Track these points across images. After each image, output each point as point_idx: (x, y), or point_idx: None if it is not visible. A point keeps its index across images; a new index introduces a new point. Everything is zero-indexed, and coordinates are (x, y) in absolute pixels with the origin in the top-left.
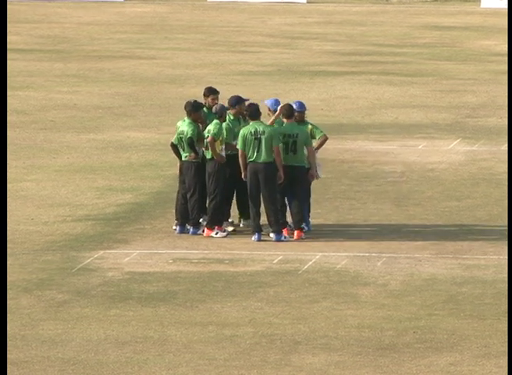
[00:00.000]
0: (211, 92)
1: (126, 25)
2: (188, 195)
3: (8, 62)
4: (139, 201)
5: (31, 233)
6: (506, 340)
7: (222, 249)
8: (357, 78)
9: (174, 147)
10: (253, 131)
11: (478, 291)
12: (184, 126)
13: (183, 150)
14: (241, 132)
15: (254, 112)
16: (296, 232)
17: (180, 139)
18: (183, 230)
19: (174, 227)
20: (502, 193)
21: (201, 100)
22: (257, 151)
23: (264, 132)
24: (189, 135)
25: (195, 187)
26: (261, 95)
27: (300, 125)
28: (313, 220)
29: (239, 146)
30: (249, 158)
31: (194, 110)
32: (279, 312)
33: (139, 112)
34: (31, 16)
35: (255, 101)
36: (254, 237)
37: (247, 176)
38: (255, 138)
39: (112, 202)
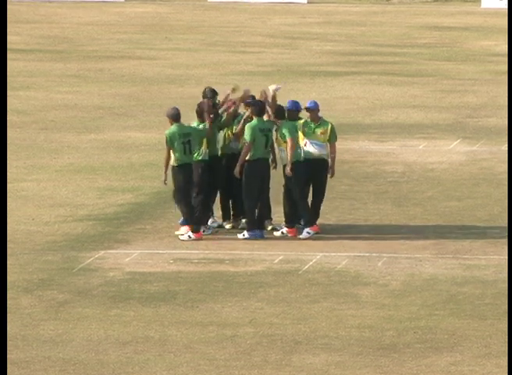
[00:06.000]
0: (211, 94)
1: (126, 25)
2: (193, 194)
3: (8, 62)
4: (140, 201)
5: (32, 233)
6: (507, 340)
7: (222, 249)
8: (357, 78)
9: None
10: (262, 128)
11: (479, 291)
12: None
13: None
14: (250, 125)
15: (261, 110)
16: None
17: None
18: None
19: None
20: (502, 193)
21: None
22: (265, 148)
23: (270, 129)
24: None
25: (200, 187)
26: None
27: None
28: None
29: (248, 138)
30: (254, 155)
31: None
32: (280, 312)
33: (139, 112)
34: (31, 16)
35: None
36: (243, 235)
37: (250, 173)
38: (263, 134)
39: (112, 202)
